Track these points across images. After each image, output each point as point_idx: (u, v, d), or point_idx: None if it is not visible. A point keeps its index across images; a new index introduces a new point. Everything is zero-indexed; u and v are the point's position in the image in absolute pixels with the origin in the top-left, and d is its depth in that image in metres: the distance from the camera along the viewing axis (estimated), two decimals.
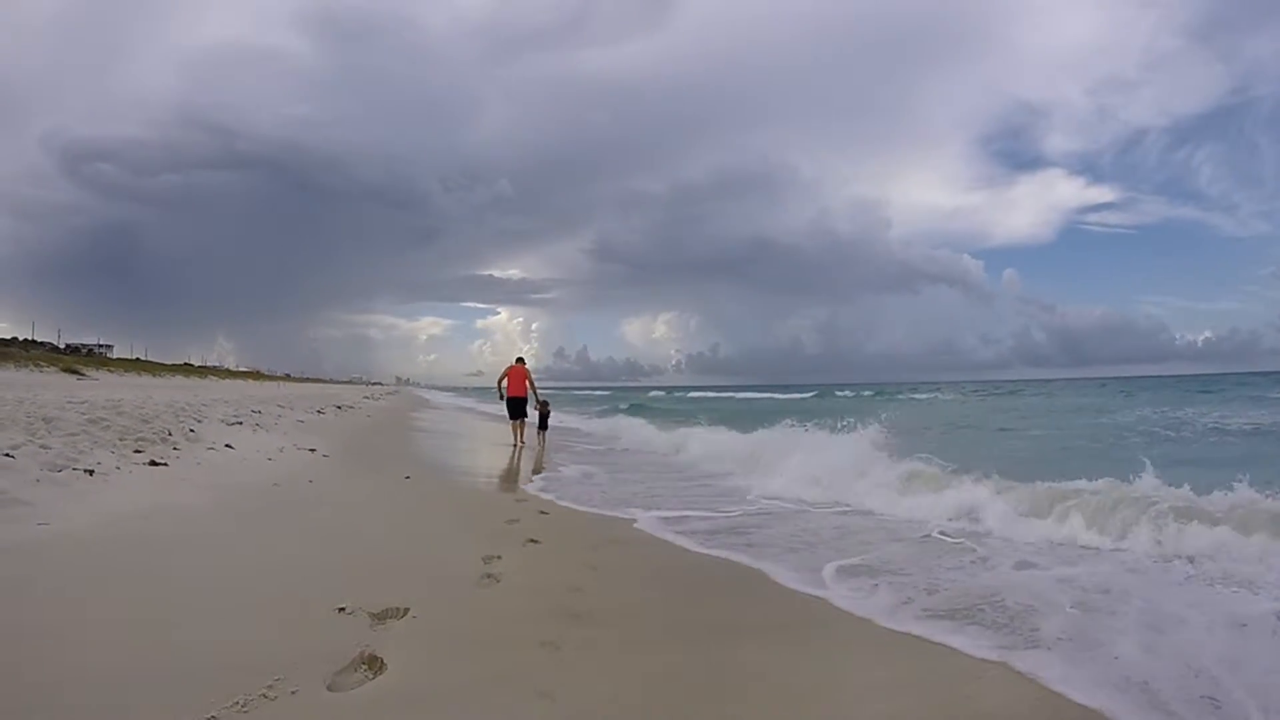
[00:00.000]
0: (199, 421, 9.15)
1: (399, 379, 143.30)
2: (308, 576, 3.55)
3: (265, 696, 2.16)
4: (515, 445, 12.18)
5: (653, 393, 78.34)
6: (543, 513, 5.98)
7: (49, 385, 18.38)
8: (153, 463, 5.88)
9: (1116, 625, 3.24)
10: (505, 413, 12.83)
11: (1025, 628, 3.23)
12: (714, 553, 4.79)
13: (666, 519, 5.93)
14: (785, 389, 75.38)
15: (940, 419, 22.01)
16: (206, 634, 2.64)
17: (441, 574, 3.82)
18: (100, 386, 20.52)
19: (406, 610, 3.02)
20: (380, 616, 2.93)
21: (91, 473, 5.04)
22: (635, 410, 26.26)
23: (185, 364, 61.75)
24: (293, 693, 2.21)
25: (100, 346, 65.43)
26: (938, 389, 57.28)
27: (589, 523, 5.84)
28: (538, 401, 12.95)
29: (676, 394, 70.78)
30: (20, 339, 53.84)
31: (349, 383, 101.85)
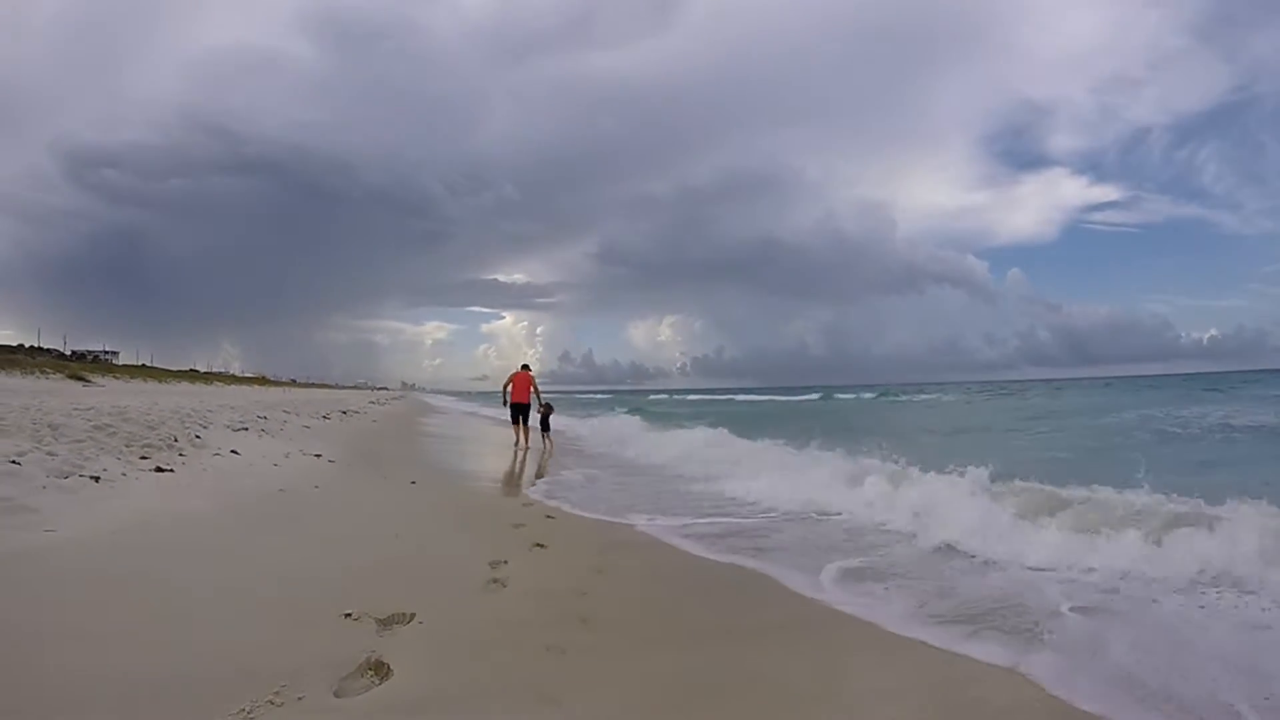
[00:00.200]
0: (205, 427, 9.17)
1: (404, 384, 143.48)
2: (314, 582, 3.55)
3: (272, 703, 2.16)
4: (519, 448, 12.39)
5: (652, 396, 78.51)
6: (549, 517, 5.98)
7: (55, 392, 18.44)
8: (159, 469, 5.89)
9: (1118, 630, 3.21)
10: (509, 417, 13.16)
11: (1029, 632, 3.21)
12: (719, 557, 4.78)
13: (671, 523, 5.92)
14: (791, 391, 75.41)
15: (941, 422, 21.97)
16: (213, 640, 2.64)
17: (447, 579, 3.82)
18: (106, 393, 20.59)
19: (413, 616, 3.02)
20: (386, 622, 2.93)
21: (98, 479, 5.04)
22: (633, 413, 26.34)
23: (191, 370, 61.76)
24: (299, 699, 2.21)
25: (106, 353, 65.67)
26: (943, 390, 57.20)
27: (595, 527, 5.83)
28: (541, 405, 13.26)
29: (676, 397, 70.83)
30: (26, 345, 54.03)
31: (355, 388, 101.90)
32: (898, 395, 46.74)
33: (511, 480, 9.22)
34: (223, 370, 77.87)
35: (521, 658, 2.73)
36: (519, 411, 13.00)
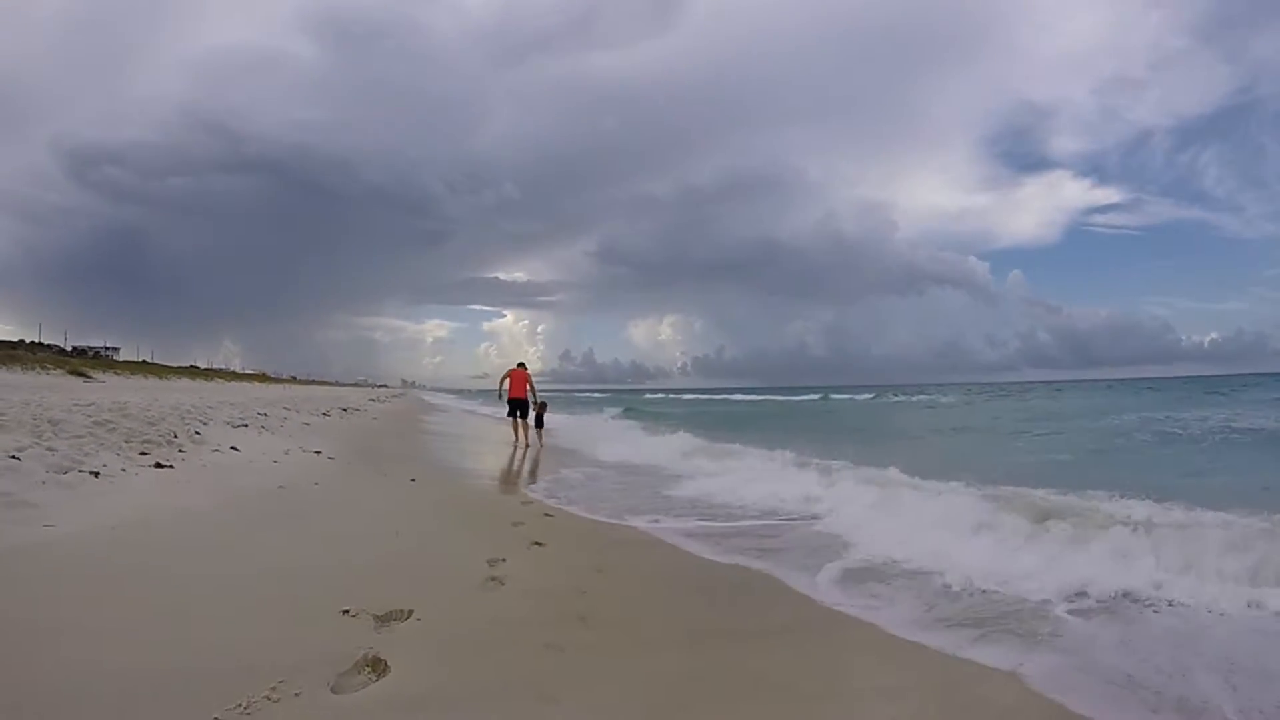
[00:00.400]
0: (205, 424, 9.18)
1: (405, 382, 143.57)
2: (312, 579, 3.54)
3: (269, 699, 2.16)
4: (517, 444, 12.69)
5: (648, 395, 78.76)
6: (547, 515, 5.98)
7: (55, 387, 18.46)
8: (158, 465, 5.90)
9: (1115, 635, 3.21)
10: (506, 414, 13.62)
11: (1029, 636, 3.21)
12: (720, 557, 4.77)
13: (670, 523, 5.92)
14: (791, 391, 75.42)
15: (932, 423, 22.00)
16: (210, 636, 2.64)
17: (446, 576, 3.82)
18: (106, 389, 20.60)
19: (410, 613, 3.01)
20: (384, 619, 2.93)
21: (97, 475, 5.05)
22: (628, 413, 26.36)
23: (191, 366, 61.75)
24: (296, 695, 2.21)
25: (107, 349, 65.74)
26: (942, 391, 57.15)
27: (594, 526, 5.83)
28: (536, 402, 13.75)
29: (672, 396, 71.22)
30: (27, 341, 53.99)
31: (355, 385, 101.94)
32: (894, 396, 46.65)
33: (510, 478, 9.22)
34: (223, 367, 78.01)
35: (520, 656, 2.72)
36: (517, 409, 13.34)
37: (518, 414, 13.33)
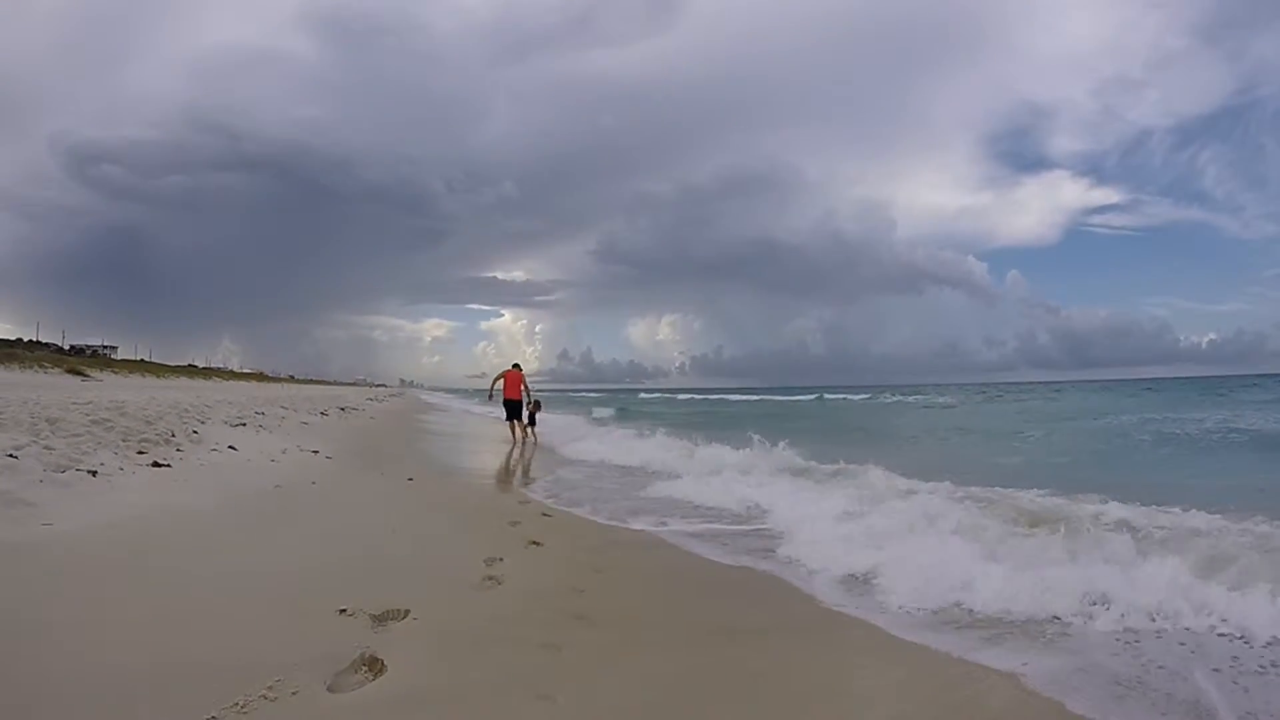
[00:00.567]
0: (202, 423, 9.18)
1: (403, 381, 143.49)
2: (309, 578, 3.55)
3: (265, 697, 2.16)
4: (513, 443, 12.90)
5: (642, 394, 78.85)
6: (545, 515, 5.98)
7: (53, 386, 18.45)
8: (156, 464, 5.90)
9: (1111, 636, 3.21)
10: (503, 414, 14.00)
11: (1029, 637, 3.21)
12: (718, 556, 4.78)
13: (670, 522, 5.92)
14: (789, 391, 75.49)
15: (929, 425, 22.00)
16: (207, 634, 2.64)
17: (443, 576, 3.82)
18: (104, 388, 20.59)
19: (407, 612, 3.02)
20: (381, 618, 2.93)
21: (95, 474, 5.05)
22: (621, 414, 26.35)
23: (189, 365, 61.68)
24: (293, 693, 2.21)
25: (104, 348, 65.52)
26: (940, 391, 57.21)
27: (592, 525, 5.83)
28: (530, 402, 14.06)
29: (667, 396, 71.38)
30: (25, 340, 53.89)
31: (353, 385, 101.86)
32: (889, 397, 46.63)
33: (508, 478, 9.23)
34: (221, 366, 77.70)
35: (516, 655, 2.72)
36: (513, 408, 13.64)
37: (515, 415, 13.64)
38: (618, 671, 2.67)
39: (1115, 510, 5.06)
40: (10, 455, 4.85)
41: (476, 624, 3.07)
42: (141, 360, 56.74)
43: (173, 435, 7.33)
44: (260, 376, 71.48)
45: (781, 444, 9.38)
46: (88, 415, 7.50)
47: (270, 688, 2.21)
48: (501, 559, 4.15)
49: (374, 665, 2.47)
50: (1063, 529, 4.49)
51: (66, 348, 57.67)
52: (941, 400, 39.01)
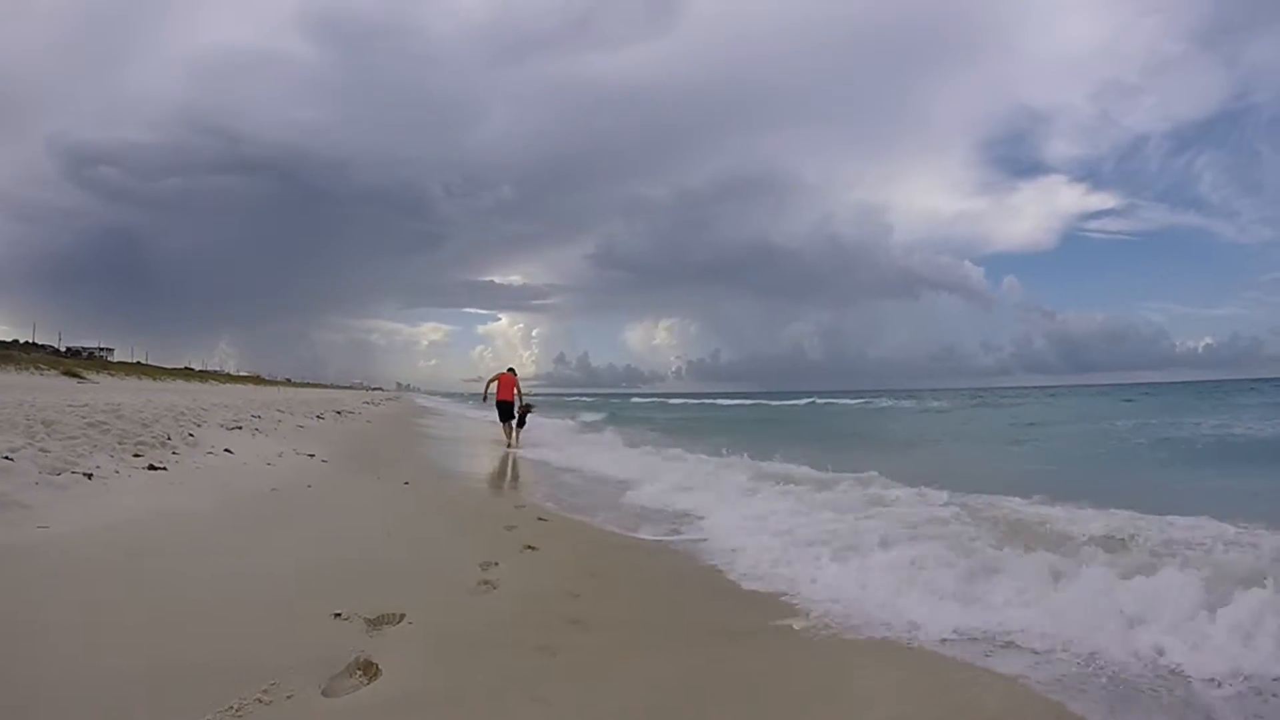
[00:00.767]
0: (198, 426, 9.15)
1: (399, 384, 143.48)
2: (305, 581, 3.55)
3: (260, 700, 2.17)
4: (508, 446, 13.17)
5: (635, 399, 78.80)
6: (541, 519, 5.97)
7: (49, 388, 18.35)
8: (152, 467, 5.89)
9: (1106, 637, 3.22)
10: (497, 417, 14.48)
11: (1028, 638, 3.22)
12: (715, 560, 4.78)
13: (669, 524, 5.93)
14: (784, 395, 75.48)
15: (921, 430, 22.03)
16: (203, 637, 2.65)
17: (438, 580, 3.82)
18: (100, 390, 20.49)
19: (402, 616, 3.02)
20: (376, 622, 2.94)
21: (90, 476, 5.04)
22: (610, 419, 26.28)
23: (186, 368, 61.30)
24: (288, 697, 2.22)
25: (101, 350, 65.37)
26: (935, 395, 57.22)
27: (588, 529, 5.83)
28: (521, 405, 14.43)
29: (658, 400, 71.34)
30: (20, 341, 53.66)
31: (350, 388, 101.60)
32: (883, 402, 46.57)
33: (504, 482, 9.22)
34: (218, 369, 77.61)
35: (512, 658, 2.73)
36: (506, 410, 14.05)
37: (508, 417, 14.03)
38: (613, 674, 2.68)
39: (1099, 524, 4.86)
40: (6, 458, 4.84)
41: (472, 628, 3.07)
42: (138, 362, 56.51)
43: (169, 438, 7.31)
44: (257, 379, 71.27)
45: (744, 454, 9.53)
46: (84, 418, 7.48)
47: (265, 691, 2.22)
48: (497, 563, 4.15)
49: (369, 669, 2.48)
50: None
51: (63, 349, 57.51)
52: (935, 405, 38.92)
